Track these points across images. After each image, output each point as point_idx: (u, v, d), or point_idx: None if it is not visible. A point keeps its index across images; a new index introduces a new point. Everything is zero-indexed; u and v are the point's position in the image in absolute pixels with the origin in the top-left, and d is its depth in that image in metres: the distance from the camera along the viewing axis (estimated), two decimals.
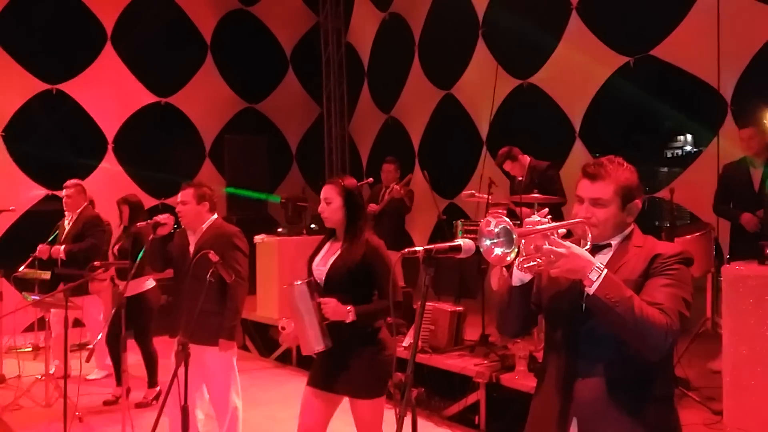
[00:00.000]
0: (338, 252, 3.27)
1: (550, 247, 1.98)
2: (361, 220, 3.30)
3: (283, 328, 3.43)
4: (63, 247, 6.10)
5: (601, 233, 2.17)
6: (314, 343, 3.14)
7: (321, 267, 3.31)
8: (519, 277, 2.17)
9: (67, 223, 6.34)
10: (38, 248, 6.18)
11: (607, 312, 1.96)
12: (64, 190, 6.36)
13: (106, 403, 5.76)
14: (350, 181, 3.35)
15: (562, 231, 2.08)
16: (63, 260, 6.10)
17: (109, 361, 6.25)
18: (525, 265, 2.05)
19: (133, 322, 5.54)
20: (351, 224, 3.28)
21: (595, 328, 2.09)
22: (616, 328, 1.98)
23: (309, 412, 3.29)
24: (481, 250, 1.99)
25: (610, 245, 2.19)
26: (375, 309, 3.22)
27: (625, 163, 2.21)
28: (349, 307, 3.12)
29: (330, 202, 3.28)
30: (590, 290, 1.97)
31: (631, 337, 1.97)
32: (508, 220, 1.94)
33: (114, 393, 5.82)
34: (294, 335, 3.30)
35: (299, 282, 3.16)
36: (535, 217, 2.05)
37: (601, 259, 2.15)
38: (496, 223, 1.96)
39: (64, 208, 6.39)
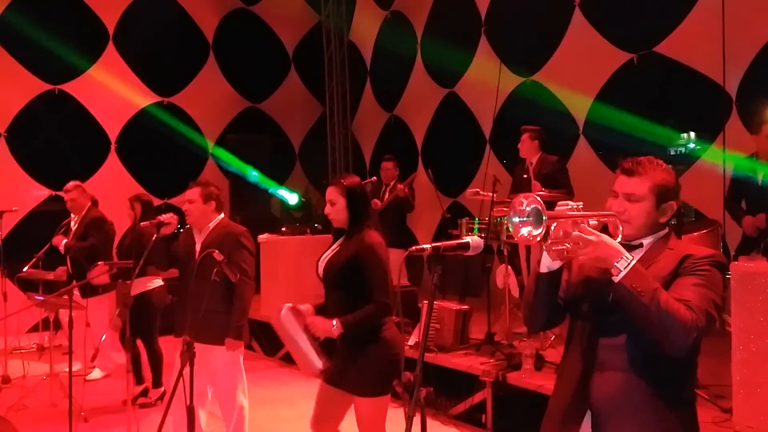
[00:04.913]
0: (336, 250, 3.30)
1: (579, 233, 1.98)
2: (363, 218, 3.32)
3: None
4: (64, 241, 6.20)
5: (633, 230, 2.15)
6: (314, 364, 3.22)
7: (322, 265, 3.37)
8: (547, 264, 2.15)
9: (73, 224, 6.38)
10: (53, 239, 6.27)
11: (631, 301, 1.95)
12: (66, 194, 6.38)
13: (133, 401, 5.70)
14: (351, 180, 3.37)
15: (593, 222, 2.07)
16: (67, 257, 6.17)
17: (109, 363, 6.26)
18: (553, 248, 2.05)
19: (138, 321, 5.53)
20: (353, 223, 3.31)
21: (618, 322, 2.07)
22: (640, 319, 1.96)
23: (320, 405, 3.37)
24: (510, 227, 2.01)
25: (641, 245, 2.17)
26: (362, 316, 3.20)
27: (664, 164, 2.20)
28: (334, 322, 3.14)
29: (334, 203, 3.32)
30: (617, 278, 1.96)
31: (655, 329, 1.95)
32: (540, 200, 1.95)
33: (132, 392, 5.77)
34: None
35: (283, 309, 3.25)
36: (570, 204, 2.06)
37: None
38: (528, 202, 1.98)
39: (70, 212, 6.41)
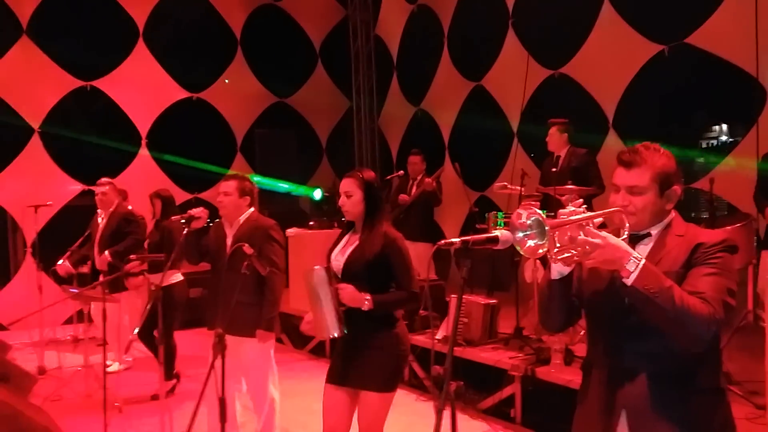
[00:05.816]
0: (356, 243, 3.28)
1: (585, 237, 1.94)
2: (379, 212, 3.31)
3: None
4: (107, 251, 6.17)
5: (639, 221, 2.12)
6: (330, 328, 3.14)
7: (339, 258, 3.32)
8: (558, 270, 2.13)
9: (100, 221, 6.44)
10: (57, 266, 6.28)
11: (646, 303, 1.92)
12: (98, 188, 6.45)
13: (154, 397, 5.74)
14: (369, 174, 3.35)
15: (599, 221, 2.03)
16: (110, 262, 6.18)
17: (127, 356, 6.34)
18: (560, 257, 2.01)
19: (157, 315, 5.59)
20: (370, 216, 3.28)
21: (638, 322, 2.03)
22: (657, 319, 1.94)
23: (331, 410, 3.30)
24: (514, 242, 1.96)
25: (649, 235, 2.14)
26: (393, 299, 3.22)
27: (662, 149, 2.14)
28: (367, 296, 3.12)
29: (351, 195, 3.28)
30: (628, 281, 1.93)
31: (672, 327, 1.93)
32: (540, 211, 1.91)
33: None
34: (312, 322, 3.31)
35: (318, 267, 3.19)
36: (570, 207, 2.02)
37: (642, 249, 2.11)
38: (528, 214, 1.93)
39: (98, 206, 6.49)
